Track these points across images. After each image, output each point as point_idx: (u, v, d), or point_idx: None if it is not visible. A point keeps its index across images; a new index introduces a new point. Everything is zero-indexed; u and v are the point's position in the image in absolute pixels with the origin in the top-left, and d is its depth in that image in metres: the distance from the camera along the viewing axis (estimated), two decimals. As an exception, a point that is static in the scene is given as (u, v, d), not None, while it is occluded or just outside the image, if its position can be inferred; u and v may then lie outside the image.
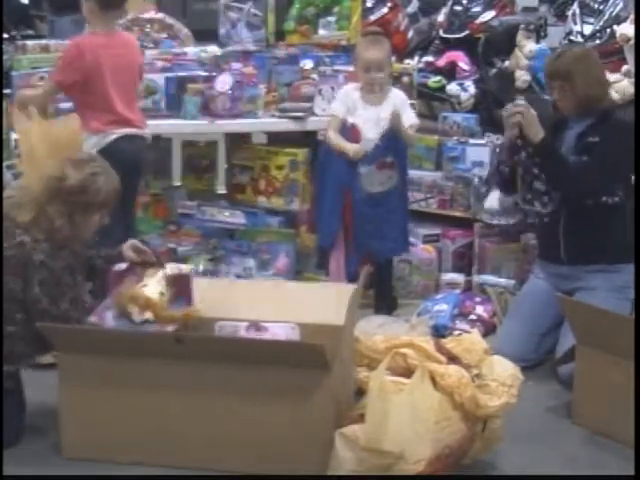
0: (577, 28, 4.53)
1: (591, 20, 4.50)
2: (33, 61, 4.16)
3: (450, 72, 4.82)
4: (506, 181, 3.66)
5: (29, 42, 4.43)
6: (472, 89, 4.73)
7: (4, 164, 3.75)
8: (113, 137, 3.67)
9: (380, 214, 3.90)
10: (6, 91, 3.97)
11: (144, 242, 3.24)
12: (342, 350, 2.75)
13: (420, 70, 4.84)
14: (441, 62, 4.87)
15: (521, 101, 3.55)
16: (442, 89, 4.80)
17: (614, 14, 4.43)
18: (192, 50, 4.45)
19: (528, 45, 4.52)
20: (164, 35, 4.61)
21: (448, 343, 2.90)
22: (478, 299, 4.03)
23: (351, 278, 3.74)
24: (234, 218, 4.26)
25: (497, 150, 4.10)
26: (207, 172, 4.58)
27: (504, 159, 3.61)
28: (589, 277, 3.43)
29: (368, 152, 3.84)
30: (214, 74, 4.16)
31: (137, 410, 2.74)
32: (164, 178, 4.52)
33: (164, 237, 4.25)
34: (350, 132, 3.88)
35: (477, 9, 4.92)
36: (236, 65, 4.27)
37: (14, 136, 3.73)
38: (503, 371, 2.75)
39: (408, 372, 2.68)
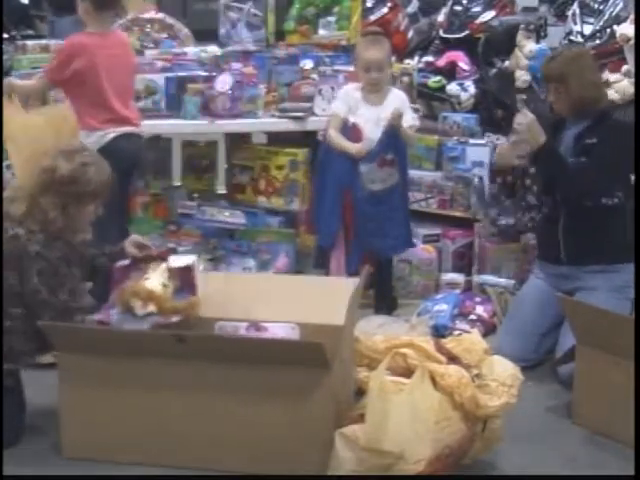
0: (577, 28, 4.53)
1: (591, 20, 4.49)
2: (33, 61, 4.16)
3: (450, 72, 4.82)
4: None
5: (29, 42, 4.44)
6: (472, 89, 4.73)
7: (4, 164, 3.75)
8: (112, 136, 3.67)
9: (382, 212, 3.89)
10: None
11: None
12: (342, 350, 2.75)
13: (420, 70, 4.85)
14: (441, 62, 4.87)
15: (527, 111, 3.52)
16: (442, 89, 4.80)
17: (614, 14, 4.43)
18: (192, 50, 4.45)
19: (528, 45, 4.51)
20: (164, 35, 4.62)
21: (448, 343, 2.90)
22: (478, 299, 4.03)
23: (352, 278, 3.74)
24: (234, 218, 4.26)
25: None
26: (207, 172, 4.58)
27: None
28: (589, 277, 3.42)
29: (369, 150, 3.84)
30: (214, 74, 4.16)
31: (137, 410, 2.74)
32: (164, 178, 4.51)
33: (164, 237, 4.24)
34: (352, 131, 3.87)
35: (477, 9, 4.92)
36: (236, 65, 4.27)
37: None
38: (503, 371, 2.75)
39: (408, 372, 2.68)
